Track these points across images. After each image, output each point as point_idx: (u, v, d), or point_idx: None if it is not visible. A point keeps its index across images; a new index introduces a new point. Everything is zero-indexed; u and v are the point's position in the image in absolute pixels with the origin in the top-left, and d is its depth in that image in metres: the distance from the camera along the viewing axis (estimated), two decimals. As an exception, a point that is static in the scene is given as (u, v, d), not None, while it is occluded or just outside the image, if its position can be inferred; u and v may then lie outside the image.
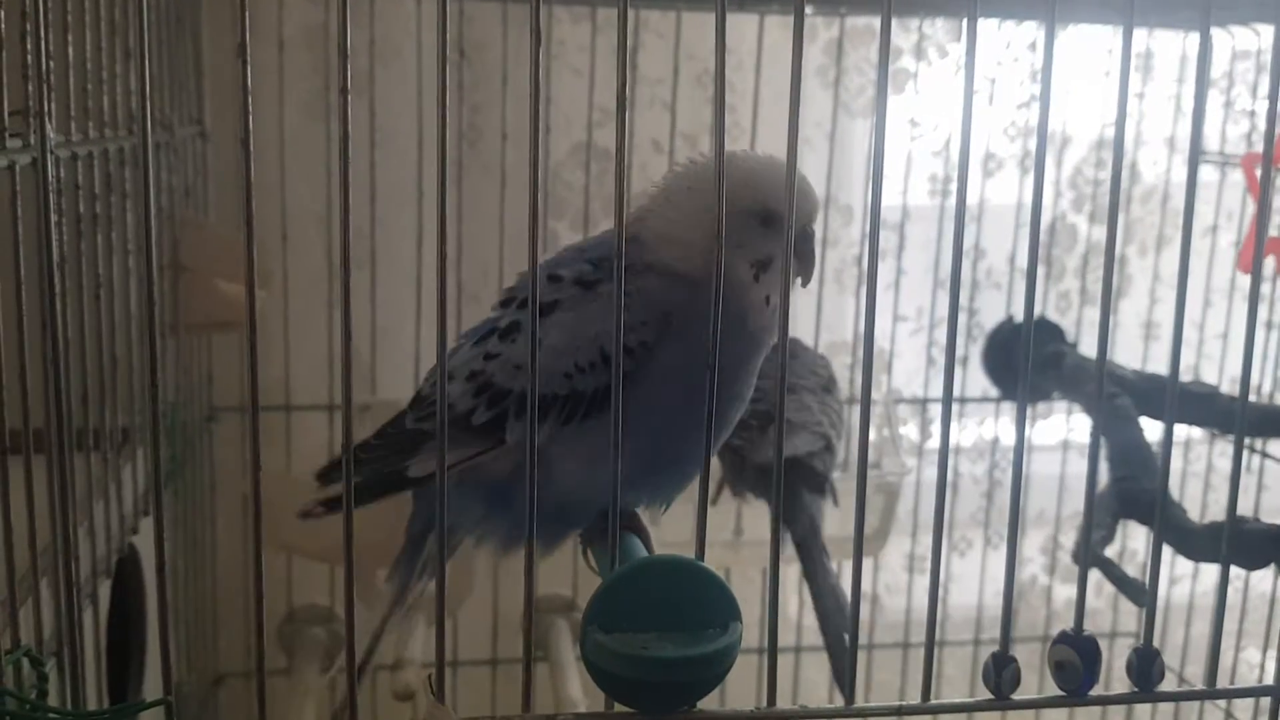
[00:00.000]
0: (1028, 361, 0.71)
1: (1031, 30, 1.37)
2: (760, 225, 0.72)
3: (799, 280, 0.76)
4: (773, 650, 0.65)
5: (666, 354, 0.71)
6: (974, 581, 1.52)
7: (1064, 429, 1.54)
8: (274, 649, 1.31)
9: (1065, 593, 1.60)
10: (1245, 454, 1.37)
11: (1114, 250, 0.67)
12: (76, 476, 0.78)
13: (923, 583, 1.57)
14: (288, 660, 1.30)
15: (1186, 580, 1.55)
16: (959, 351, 1.50)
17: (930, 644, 0.68)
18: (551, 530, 0.76)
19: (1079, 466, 1.49)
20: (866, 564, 1.49)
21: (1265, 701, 0.71)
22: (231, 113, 1.24)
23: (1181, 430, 1.47)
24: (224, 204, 1.23)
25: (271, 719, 1.21)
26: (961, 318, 1.50)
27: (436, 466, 0.61)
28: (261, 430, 1.37)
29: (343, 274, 0.61)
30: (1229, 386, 1.43)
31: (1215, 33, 1.38)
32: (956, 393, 1.47)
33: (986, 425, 1.53)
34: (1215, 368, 1.43)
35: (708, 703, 0.64)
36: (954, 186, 1.48)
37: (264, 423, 1.33)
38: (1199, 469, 1.49)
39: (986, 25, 1.40)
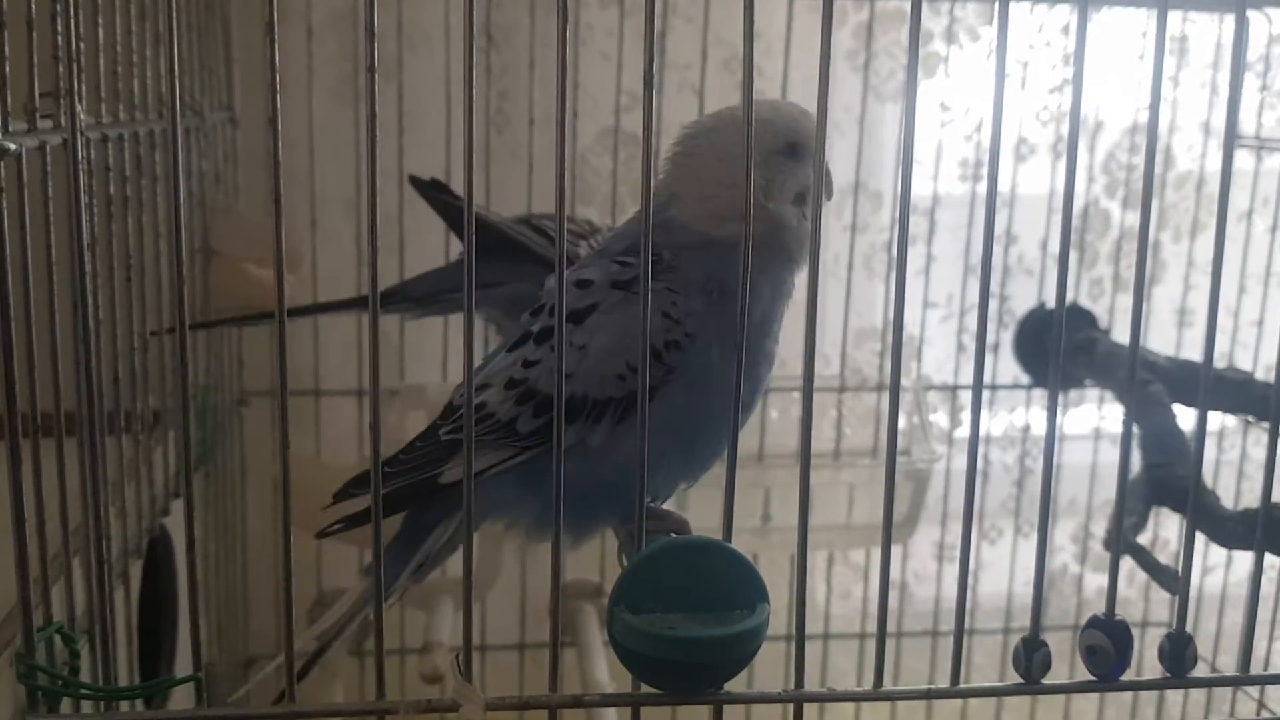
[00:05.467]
0: (1059, 349, 0.70)
1: (1064, 14, 1.36)
2: (788, 159, 0.74)
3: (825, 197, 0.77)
4: (800, 632, 0.65)
5: (711, 332, 0.71)
6: (1004, 570, 1.51)
7: (1095, 417, 1.52)
8: (303, 632, 1.32)
9: (1096, 581, 1.59)
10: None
11: (1147, 235, 0.66)
12: (108, 459, 0.79)
13: (952, 571, 1.56)
14: (317, 643, 1.30)
15: (1220, 570, 1.53)
16: (990, 338, 1.48)
17: (959, 628, 0.68)
18: (590, 519, 0.76)
19: (1110, 455, 1.47)
20: (896, 551, 1.50)
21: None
22: (261, 98, 1.24)
23: (1215, 419, 1.46)
24: (254, 189, 1.24)
25: (301, 700, 1.22)
26: (993, 304, 1.49)
27: (465, 468, 0.61)
28: (291, 415, 1.37)
29: (370, 252, 0.61)
30: (1264, 373, 1.41)
31: (1252, 15, 1.37)
32: (987, 380, 1.46)
33: (1018, 413, 1.52)
34: (1250, 354, 1.41)
35: (735, 685, 0.64)
36: (985, 171, 1.47)
37: (293, 407, 1.34)
38: (1233, 458, 1.48)
39: (1019, 9, 1.39)
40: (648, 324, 0.60)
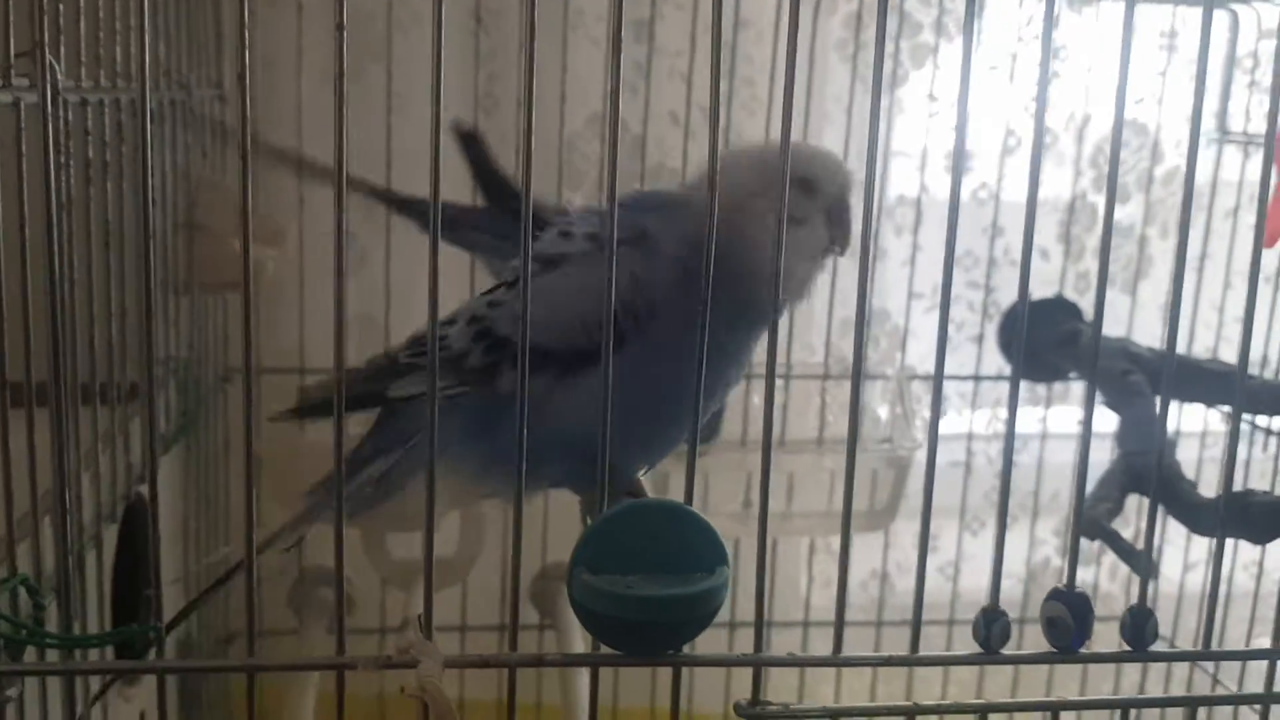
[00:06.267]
0: (1023, 342, 0.71)
1: (1052, 6, 1.36)
2: (800, 193, 0.73)
3: (836, 249, 0.78)
4: (760, 596, 0.65)
5: (679, 311, 0.71)
6: (986, 562, 1.51)
7: (1079, 415, 1.53)
8: (283, 609, 1.33)
9: (1079, 575, 1.59)
10: (1262, 436, 1.36)
11: (1110, 222, 0.66)
12: (82, 426, 0.80)
13: (933, 561, 1.56)
14: (298, 620, 1.31)
15: (1201, 566, 1.54)
16: (975, 330, 1.49)
17: (919, 595, 0.68)
18: (538, 472, 0.76)
19: (1094, 454, 1.48)
20: (876, 540, 1.51)
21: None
22: (250, 76, 1.25)
23: (1199, 418, 1.46)
24: (240, 164, 1.24)
25: (279, 679, 1.23)
26: (977, 295, 1.49)
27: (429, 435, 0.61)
28: (275, 393, 1.38)
29: (336, 219, 0.61)
30: (1250, 368, 1.41)
31: (1241, 10, 1.37)
32: (970, 370, 1.47)
33: (1002, 406, 1.52)
34: (1234, 351, 1.41)
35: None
36: (974, 163, 1.48)
37: (277, 385, 1.35)
38: (1217, 454, 1.48)
39: (1007, 2, 1.39)
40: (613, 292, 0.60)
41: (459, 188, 1.33)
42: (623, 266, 0.68)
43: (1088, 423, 0.69)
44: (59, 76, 0.71)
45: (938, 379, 0.67)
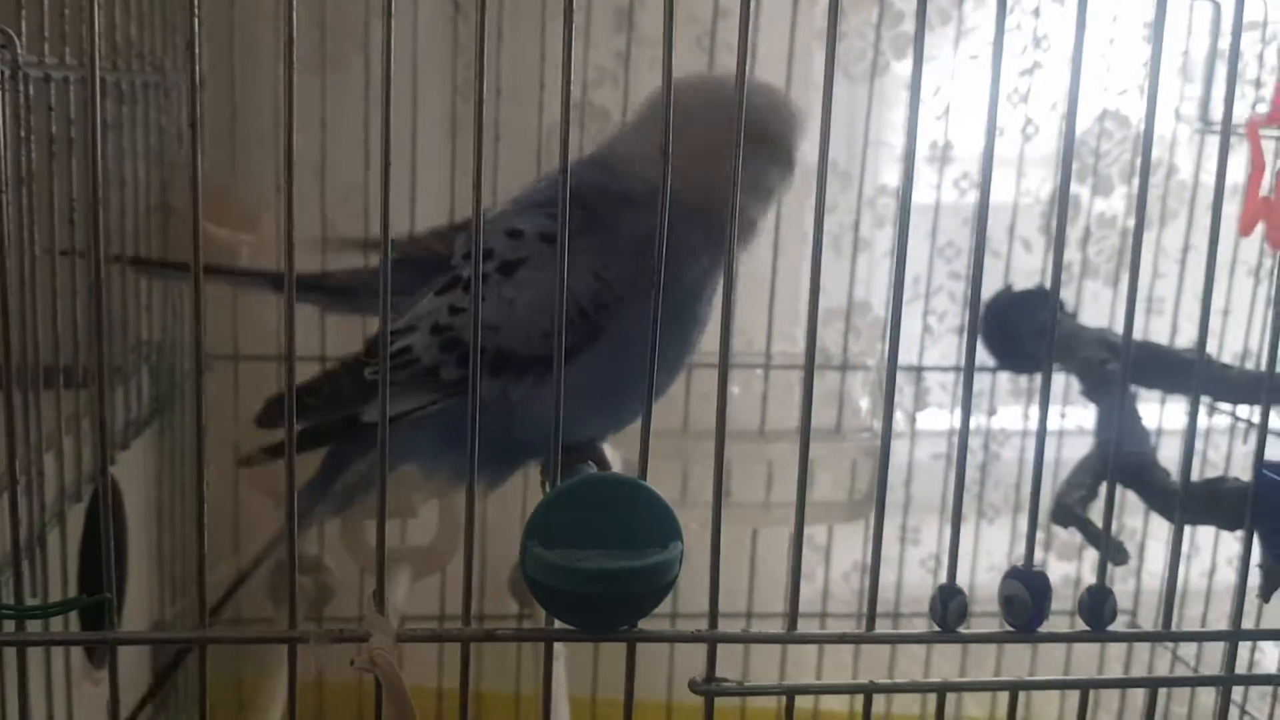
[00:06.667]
0: (974, 339, 0.71)
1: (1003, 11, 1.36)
2: (752, 141, 0.72)
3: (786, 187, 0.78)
4: (715, 570, 0.65)
5: (641, 294, 0.71)
6: (966, 558, 1.51)
7: (1058, 413, 1.52)
8: (260, 597, 1.32)
9: (1061, 569, 1.59)
10: (1244, 428, 1.36)
11: (1064, 216, 0.66)
12: (45, 409, 0.80)
13: (915, 554, 1.57)
14: (274, 608, 1.31)
15: (1187, 560, 1.53)
16: (955, 320, 1.49)
17: (874, 574, 0.68)
18: (507, 468, 0.76)
19: (1074, 450, 1.48)
20: (857, 531, 1.50)
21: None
22: (226, 61, 1.25)
23: (1181, 414, 1.46)
24: (217, 150, 1.24)
25: (255, 667, 1.22)
26: (959, 286, 1.49)
27: (379, 415, 0.61)
28: (249, 379, 1.37)
29: (285, 189, 0.61)
30: (1230, 359, 1.41)
31: (1223, 1, 1.37)
32: (950, 362, 1.46)
33: (982, 397, 1.52)
34: (1215, 342, 1.41)
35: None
36: (955, 153, 1.47)
37: (252, 372, 1.35)
38: (1214, 458, 1.47)
39: (989, -9, 1.39)
40: (564, 286, 0.61)
41: (434, 177, 1.33)
42: (584, 267, 0.68)
43: (1044, 405, 0.68)
44: (20, 51, 0.71)
45: (890, 370, 0.66)
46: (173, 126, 1.14)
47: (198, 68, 0.59)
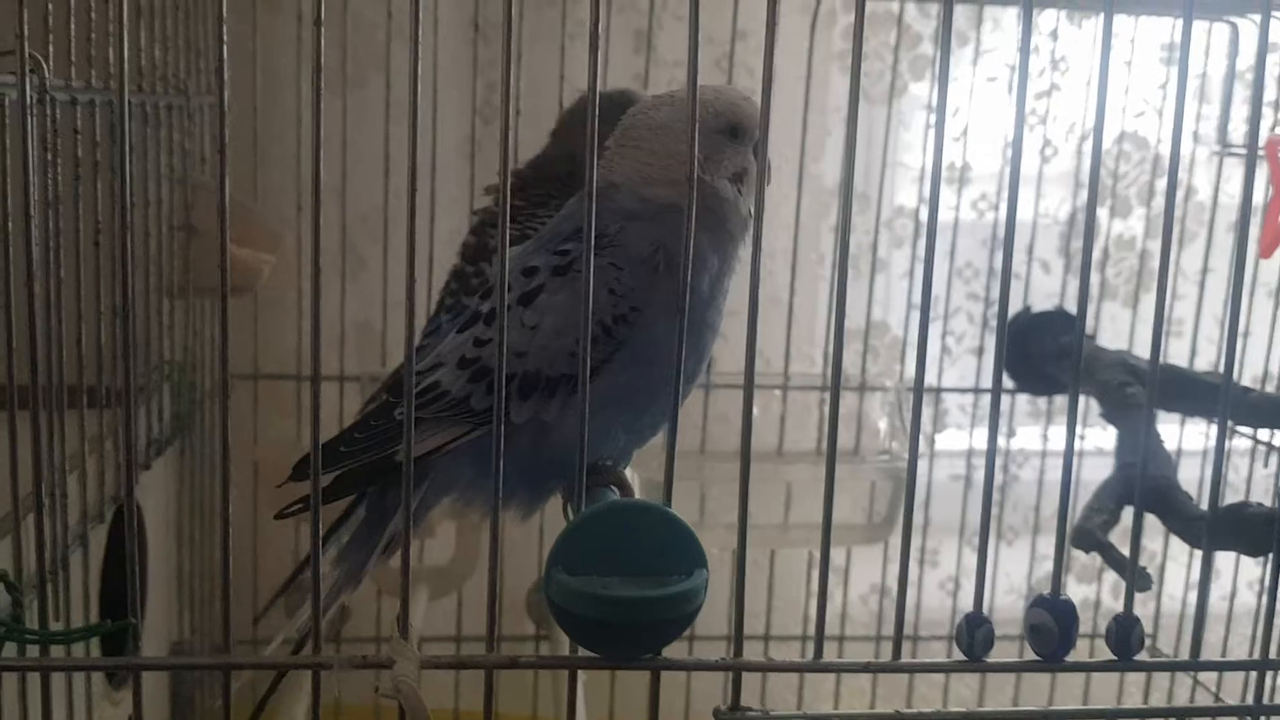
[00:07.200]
0: (1000, 361, 0.71)
1: (1052, 18, 1.36)
2: (728, 140, 0.74)
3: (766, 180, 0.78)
4: (739, 600, 0.65)
5: (657, 304, 0.72)
6: (985, 580, 1.50)
7: (1077, 434, 1.52)
8: (279, 618, 1.32)
9: (1080, 592, 1.58)
10: (1264, 452, 1.35)
11: (1092, 240, 0.66)
12: (67, 429, 0.80)
13: (934, 576, 1.56)
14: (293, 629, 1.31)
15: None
16: (973, 342, 1.48)
17: (900, 606, 0.67)
18: (544, 491, 0.77)
19: (1094, 473, 1.47)
20: (876, 554, 1.50)
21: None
22: (248, 83, 1.26)
23: (1201, 436, 1.45)
24: (238, 171, 1.25)
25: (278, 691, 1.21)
26: (977, 308, 1.49)
27: (404, 451, 0.62)
28: (273, 399, 1.37)
29: (313, 215, 0.61)
30: (1250, 382, 1.40)
31: (1243, 24, 1.37)
32: (969, 383, 1.46)
33: (1000, 419, 1.51)
34: (1235, 365, 1.40)
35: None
36: (972, 174, 1.47)
37: (275, 391, 1.35)
38: (1235, 480, 1.46)
39: (1007, 13, 1.39)
40: (589, 303, 0.61)
41: (455, 198, 1.33)
42: (599, 283, 0.69)
43: (1071, 432, 0.68)
44: (47, 75, 0.72)
45: (918, 390, 0.66)
46: (195, 148, 1.15)
47: (225, 94, 0.59)
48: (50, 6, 0.74)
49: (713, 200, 0.73)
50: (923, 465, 1.46)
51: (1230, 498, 1.42)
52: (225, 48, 0.58)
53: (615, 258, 0.72)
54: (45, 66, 0.71)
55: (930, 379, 1.48)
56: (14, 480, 0.69)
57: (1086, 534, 1.03)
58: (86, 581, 0.83)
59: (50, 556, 0.68)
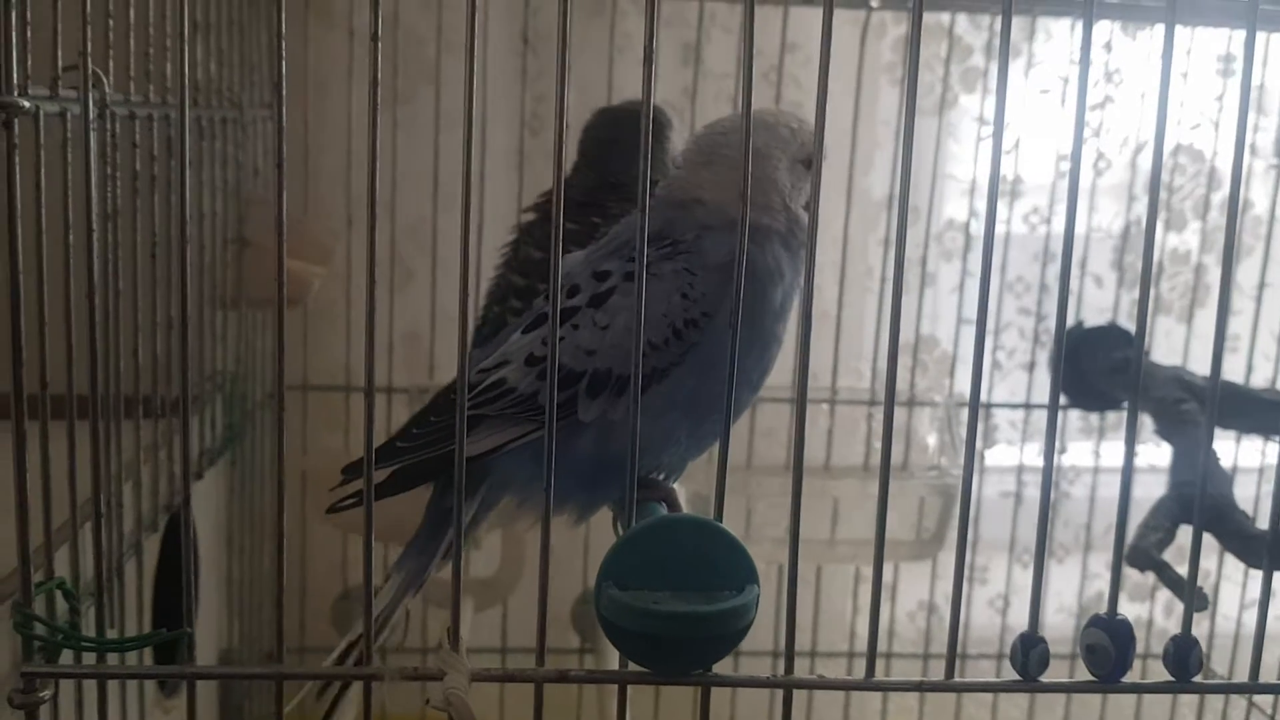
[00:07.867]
0: (1058, 377, 0.70)
1: (1105, 30, 1.35)
2: (806, 170, 0.76)
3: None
4: (791, 616, 0.64)
5: (730, 307, 0.72)
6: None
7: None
8: (327, 627, 1.33)
9: (1133, 611, 1.55)
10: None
11: (1152, 252, 0.65)
12: (127, 437, 0.81)
13: (983, 593, 1.54)
14: (340, 638, 1.31)
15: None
16: (1024, 357, 1.47)
17: (955, 623, 0.66)
18: (603, 492, 0.77)
19: (1147, 490, 1.45)
20: (923, 570, 1.48)
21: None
22: (299, 97, 1.27)
23: (1257, 453, 1.42)
24: (291, 185, 1.25)
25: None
26: (1029, 322, 1.47)
27: (457, 456, 0.62)
28: (321, 410, 1.39)
29: (369, 228, 0.61)
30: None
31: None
32: (1019, 398, 1.44)
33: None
34: (1293, 381, 1.38)
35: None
36: (1024, 187, 1.46)
37: (324, 403, 1.36)
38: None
39: (1060, 25, 1.38)
40: (643, 309, 0.62)
41: (503, 210, 1.34)
42: (672, 288, 0.70)
43: (1130, 444, 0.67)
44: (108, 90, 0.73)
45: (973, 406, 0.65)
46: (249, 160, 1.16)
47: (283, 110, 0.59)
48: (110, 23, 0.75)
49: (795, 227, 0.75)
50: (972, 481, 1.45)
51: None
52: (284, 63, 0.58)
53: (690, 264, 0.73)
54: (106, 81, 0.72)
55: (981, 394, 1.47)
56: (73, 489, 0.70)
57: (1142, 553, 1.02)
58: (141, 590, 0.83)
59: (106, 565, 0.69)
